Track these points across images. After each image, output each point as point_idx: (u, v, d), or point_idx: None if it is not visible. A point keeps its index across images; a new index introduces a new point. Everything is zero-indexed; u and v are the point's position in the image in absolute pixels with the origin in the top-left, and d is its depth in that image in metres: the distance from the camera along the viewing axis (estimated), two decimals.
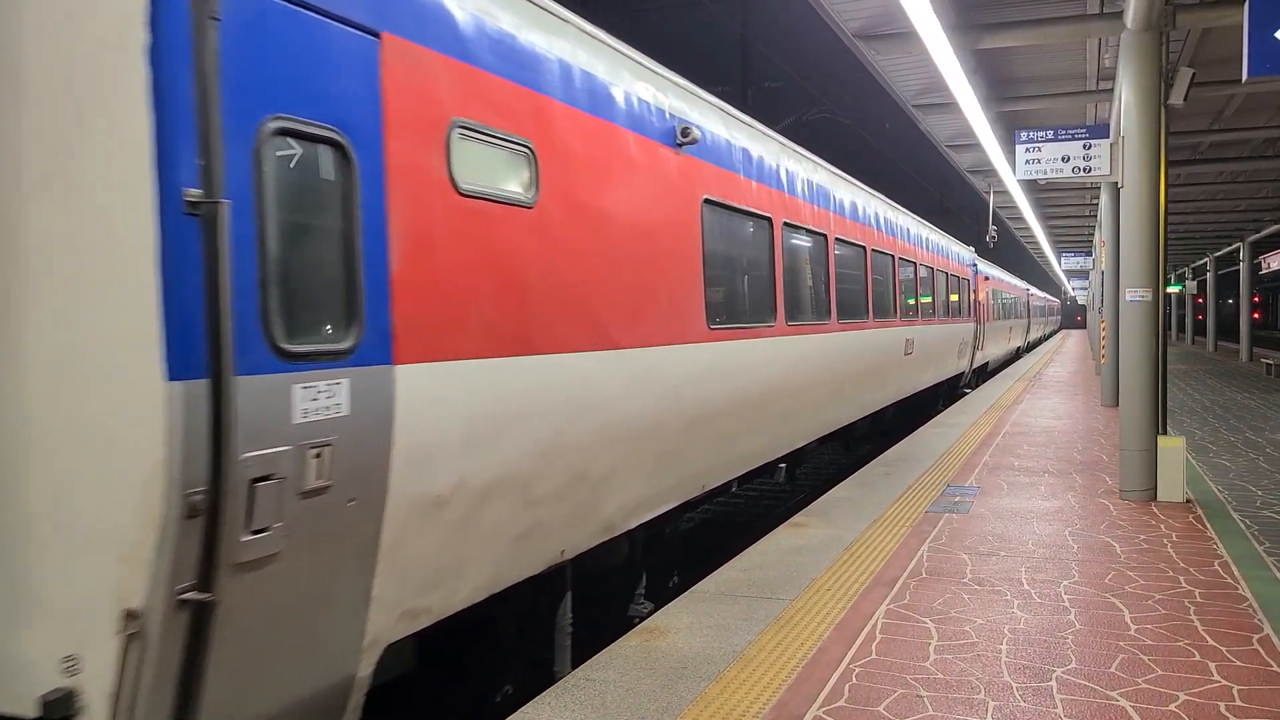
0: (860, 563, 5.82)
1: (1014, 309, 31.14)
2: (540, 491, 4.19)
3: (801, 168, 8.36)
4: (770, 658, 4.23)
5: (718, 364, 6.12)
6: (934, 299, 14.82)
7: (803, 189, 8.30)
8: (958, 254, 18.22)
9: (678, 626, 4.64)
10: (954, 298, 17.13)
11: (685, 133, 5.69)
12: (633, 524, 5.14)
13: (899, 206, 12.75)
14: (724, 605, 4.98)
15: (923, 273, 13.97)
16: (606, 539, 4.93)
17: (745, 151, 6.95)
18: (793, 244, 7.96)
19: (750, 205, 6.94)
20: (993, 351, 24.95)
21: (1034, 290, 46.47)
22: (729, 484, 7.04)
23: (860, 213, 10.32)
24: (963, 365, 18.65)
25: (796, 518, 7.06)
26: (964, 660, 4.18)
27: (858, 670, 4.08)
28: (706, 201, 6.06)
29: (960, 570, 5.64)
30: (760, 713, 3.64)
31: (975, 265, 20.47)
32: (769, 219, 7.37)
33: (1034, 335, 45.74)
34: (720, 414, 6.22)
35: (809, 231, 8.41)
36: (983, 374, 24.30)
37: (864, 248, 10.25)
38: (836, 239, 9.20)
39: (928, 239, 14.79)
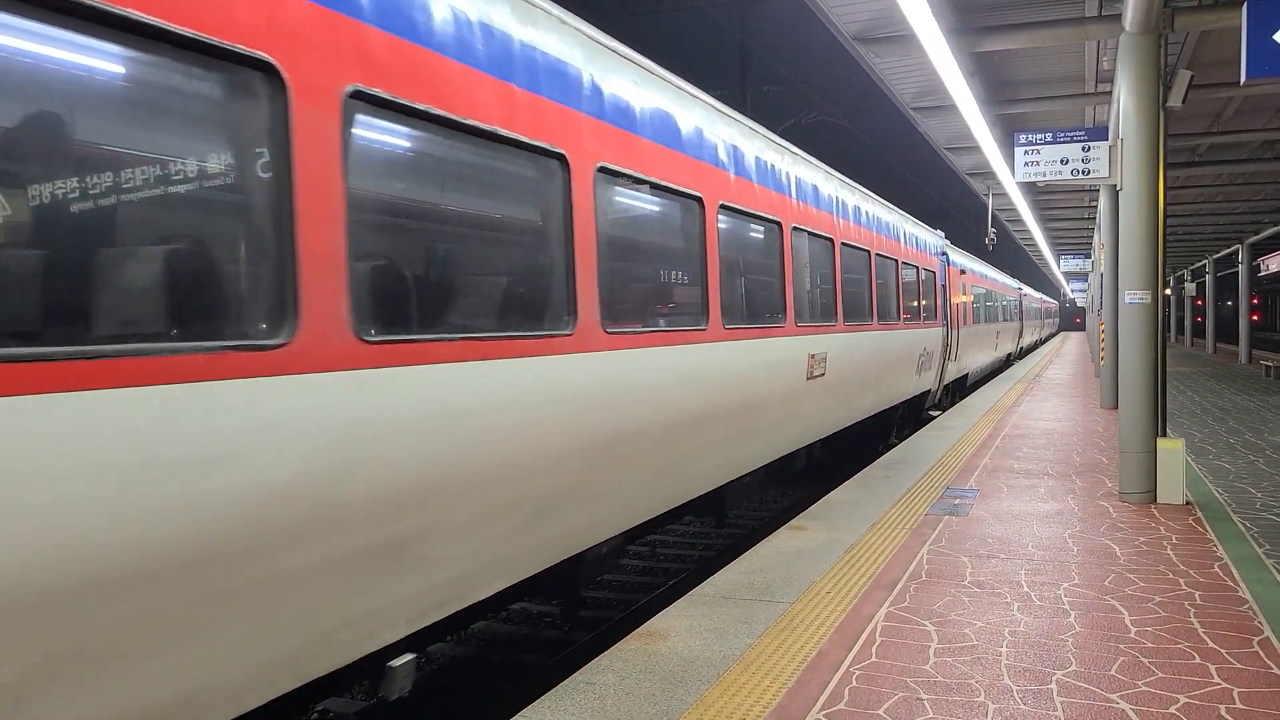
0: (860, 565, 5.82)
1: (1002, 310, 27.29)
2: None
3: (560, 38, 4.61)
4: (770, 661, 4.22)
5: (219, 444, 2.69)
6: (873, 295, 10.86)
7: (537, 62, 4.39)
8: (916, 237, 13.86)
9: (677, 629, 4.64)
10: (912, 295, 13.25)
11: None
12: None
13: (816, 161, 9.14)
14: (724, 608, 4.98)
15: (851, 258, 9.97)
16: None
17: None
18: (510, 177, 4.33)
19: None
20: (972, 362, 20.62)
21: (1028, 290, 42.54)
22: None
23: (718, 151, 6.50)
24: (926, 383, 14.49)
25: (796, 520, 7.06)
26: (964, 663, 4.18)
27: (858, 673, 4.07)
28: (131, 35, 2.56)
29: (960, 573, 5.64)
30: (761, 716, 3.64)
31: (946, 254, 16.59)
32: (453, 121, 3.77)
33: (1028, 340, 41.31)
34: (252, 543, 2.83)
35: (557, 159, 4.55)
36: (961, 389, 20.37)
37: (698, 202, 6.18)
38: (658, 188, 5.61)
39: (863, 210, 10.65)
